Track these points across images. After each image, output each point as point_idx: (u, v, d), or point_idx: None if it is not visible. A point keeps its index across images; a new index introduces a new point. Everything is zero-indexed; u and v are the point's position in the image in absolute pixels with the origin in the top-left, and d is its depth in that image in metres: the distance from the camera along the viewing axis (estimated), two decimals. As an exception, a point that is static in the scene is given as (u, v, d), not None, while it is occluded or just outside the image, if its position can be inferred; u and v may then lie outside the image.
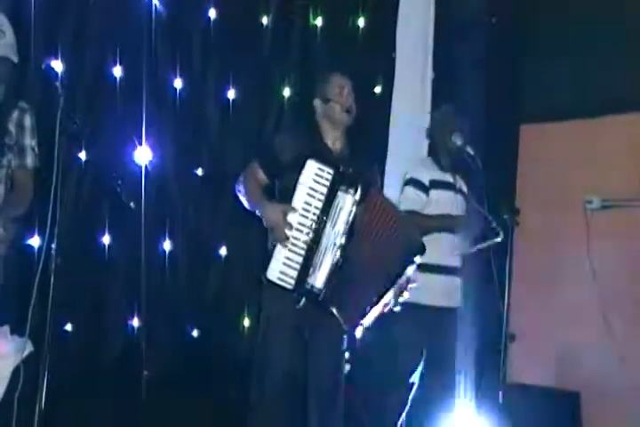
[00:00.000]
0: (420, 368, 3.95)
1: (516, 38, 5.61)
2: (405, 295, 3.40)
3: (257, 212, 3.35)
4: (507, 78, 5.51)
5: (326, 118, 3.51)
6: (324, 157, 3.28)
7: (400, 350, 3.98)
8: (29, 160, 3.24)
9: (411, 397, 3.95)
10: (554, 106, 5.32)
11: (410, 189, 4.04)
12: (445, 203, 4.04)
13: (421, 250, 3.38)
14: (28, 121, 3.21)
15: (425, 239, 3.81)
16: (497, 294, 3.95)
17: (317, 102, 3.54)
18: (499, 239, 4.02)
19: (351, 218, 3.21)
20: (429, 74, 5.19)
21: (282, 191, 3.34)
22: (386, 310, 3.34)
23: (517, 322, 4.69)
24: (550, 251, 5.21)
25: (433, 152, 4.26)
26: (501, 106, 5.41)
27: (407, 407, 3.94)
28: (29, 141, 3.21)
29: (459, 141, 4.02)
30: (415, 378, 3.95)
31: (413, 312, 3.88)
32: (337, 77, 3.56)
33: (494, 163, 4.40)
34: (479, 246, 4.11)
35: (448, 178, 4.11)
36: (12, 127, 3.17)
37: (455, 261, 4.08)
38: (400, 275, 3.31)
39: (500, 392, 3.84)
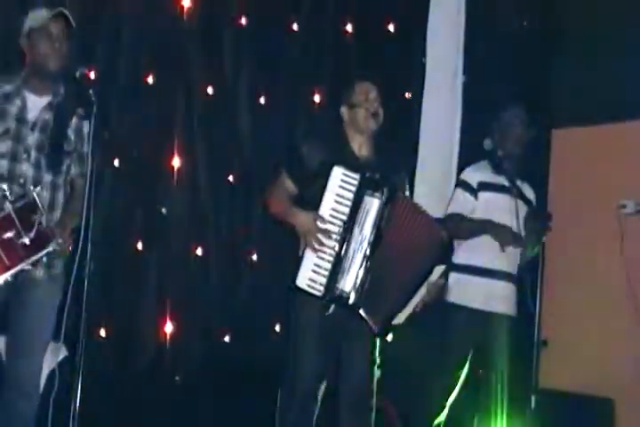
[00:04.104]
0: (465, 371, 3.93)
1: (546, 42, 5.58)
2: (433, 296, 3.41)
3: (287, 221, 3.36)
4: (538, 82, 5.48)
5: (352, 124, 3.51)
6: (349, 163, 3.29)
7: (443, 352, 3.97)
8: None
9: (451, 399, 3.94)
10: (585, 110, 5.28)
11: (459, 191, 4.04)
12: (495, 205, 3.97)
13: (448, 251, 3.38)
14: (86, 128, 3.11)
15: (470, 242, 3.81)
16: (529, 298, 3.93)
17: (344, 109, 3.54)
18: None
19: (378, 221, 3.21)
20: (460, 79, 5.17)
21: (309, 199, 3.34)
22: (417, 310, 3.35)
23: (550, 326, 4.66)
24: (584, 255, 5.16)
25: (492, 154, 4.18)
26: (532, 110, 5.38)
27: (446, 409, 3.94)
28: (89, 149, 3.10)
29: (488, 146, 4.00)
30: (458, 382, 3.94)
31: (455, 314, 3.88)
32: (362, 84, 3.56)
33: (526, 168, 4.37)
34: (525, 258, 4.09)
35: (502, 181, 4.04)
36: (71, 134, 3.14)
37: (503, 266, 3.99)
38: (427, 276, 3.31)
39: (533, 398, 3.82)
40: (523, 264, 4.03)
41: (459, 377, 3.91)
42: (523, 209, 4.03)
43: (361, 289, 3.20)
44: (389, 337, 3.36)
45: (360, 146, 3.51)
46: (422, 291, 3.33)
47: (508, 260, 3.96)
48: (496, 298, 3.94)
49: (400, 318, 3.31)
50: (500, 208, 3.96)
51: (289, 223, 3.36)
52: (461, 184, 4.05)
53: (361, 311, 3.22)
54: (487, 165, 4.10)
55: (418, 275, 3.32)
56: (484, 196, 3.99)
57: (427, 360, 4.15)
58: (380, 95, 3.52)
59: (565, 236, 4.95)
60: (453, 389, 3.92)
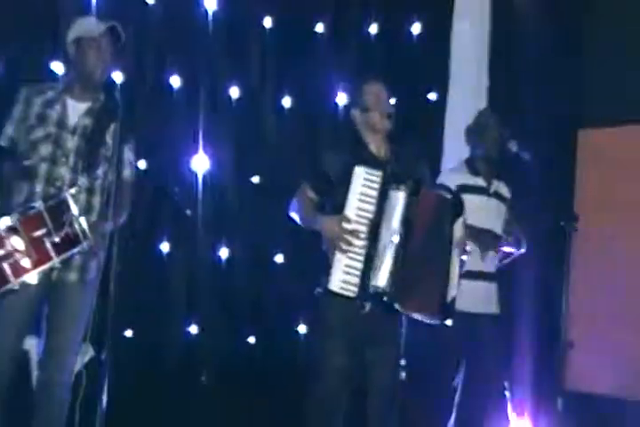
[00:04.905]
0: (460, 374, 3.93)
1: (574, 41, 5.54)
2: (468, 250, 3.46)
3: (314, 228, 3.36)
4: (564, 82, 5.45)
5: (367, 127, 3.50)
6: (370, 162, 3.29)
7: (438, 357, 3.97)
8: (127, 173, 3.21)
9: (455, 402, 3.94)
10: (612, 110, 5.24)
11: None
12: (474, 207, 3.98)
13: (457, 202, 3.37)
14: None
15: None
16: (555, 299, 3.91)
17: (355, 113, 3.52)
18: (521, 251, 4.06)
19: (406, 213, 3.20)
20: (485, 80, 5.15)
21: (334, 205, 3.34)
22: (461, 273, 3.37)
23: (577, 328, 4.63)
24: (610, 256, 5.12)
25: (470, 156, 4.23)
26: (559, 111, 5.35)
27: (454, 413, 3.93)
28: (127, 154, 3.18)
29: (514, 148, 3.99)
30: (457, 383, 3.93)
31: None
32: (371, 85, 3.53)
33: (552, 168, 4.35)
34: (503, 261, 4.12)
35: (480, 182, 4.08)
36: (109, 139, 3.16)
37: (488, 267, 4.04)
38: (451, 238, 3.30)
39: (559, 401, 3.79)
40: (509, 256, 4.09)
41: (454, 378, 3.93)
42: (501, 208, 4.09)
43: (395, 283, 3.19)
44: (449, 322, 3.32)
45: (378, 147, 3.50)
46: (459, 257, 3.31)
47: (486, 259, 3.99)
48: (480, 299, 3.96)
49: (452, 292, 3.30)
50: (478, 209, 3.99)
51: (315, 230, 3.36)
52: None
53: (396, 306, 3.21)
54: (464, 168, 4.13)
55: (442, 242, 3.29)
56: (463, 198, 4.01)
57: (424, 363, 4.14)
58: (389, 93, 3.51)
59: (591, 236, 4.92)
60: (455, 390, 3.93)
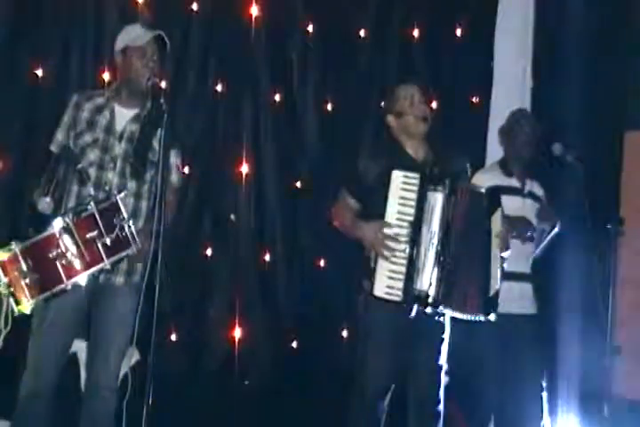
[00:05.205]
0: (497, 376, 3.90)
1: (619, 41, 5.48)
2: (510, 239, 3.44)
3: (356, 236, 3.37)
4: (610, 84, 5.39)
5: (403, 131, 3.47)
6: (407, 166, 3.28)
7: (476, 358, 3.94)
8: (174, 178, 3.25)
9: (494, 403, 3.91)
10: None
11: None
12: (509, 208, 3.96)
13: (494, 196, 3.36)
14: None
15: None
16: (601, 304, 3.87)
17: (390, 118, 3.49)
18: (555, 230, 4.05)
19: (445, 214, 3.19)
20: (529, 83, 5.11)
21: (374, 211, 3.33)
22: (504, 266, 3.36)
23: (623, 334, 4.57)
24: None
25: (503, 157, 4.19)
26: (605, 112, 5.29)
27: (492, 414, 3.91)
28: (174, 159, 3.22)
29: (557, 151, 3.95)
30: (494, 385, 3.91)
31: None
32: (404, 88, 3.50)
33: (598, 171, 4.30)
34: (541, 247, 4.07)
35: (513, 183, 4.04)
36: (156, 144, 3.17)
37: (523, 268, 4.01)
38: (489, 233, 3.28)
39: (606, 406, 3.75)
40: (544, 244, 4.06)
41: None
42: (535, 208, 4.04)
43: (439, 285, 3.18)
44: (492, 317, 3.30)
45: (416, 150, 3.48)
46: (500, 251, 3.30)
47: (520, 260, 3.95)
48: (515, 299, 3.92)
49: (495, 286, 3.28)
50: (514, 210, 3.94)
51: (357, 237, 3.36)
52: None
53: (441, 308, 3.20)
54: (497, 168, 4.10)
55: (481, 237, 3.28)
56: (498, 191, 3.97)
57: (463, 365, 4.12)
58: (427, 95, 3.48)
59: (637, 238, 4.86)
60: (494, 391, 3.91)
